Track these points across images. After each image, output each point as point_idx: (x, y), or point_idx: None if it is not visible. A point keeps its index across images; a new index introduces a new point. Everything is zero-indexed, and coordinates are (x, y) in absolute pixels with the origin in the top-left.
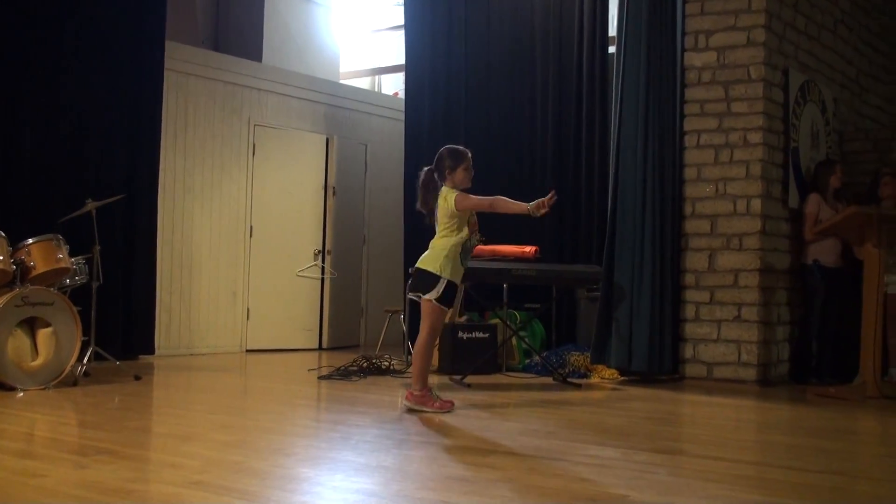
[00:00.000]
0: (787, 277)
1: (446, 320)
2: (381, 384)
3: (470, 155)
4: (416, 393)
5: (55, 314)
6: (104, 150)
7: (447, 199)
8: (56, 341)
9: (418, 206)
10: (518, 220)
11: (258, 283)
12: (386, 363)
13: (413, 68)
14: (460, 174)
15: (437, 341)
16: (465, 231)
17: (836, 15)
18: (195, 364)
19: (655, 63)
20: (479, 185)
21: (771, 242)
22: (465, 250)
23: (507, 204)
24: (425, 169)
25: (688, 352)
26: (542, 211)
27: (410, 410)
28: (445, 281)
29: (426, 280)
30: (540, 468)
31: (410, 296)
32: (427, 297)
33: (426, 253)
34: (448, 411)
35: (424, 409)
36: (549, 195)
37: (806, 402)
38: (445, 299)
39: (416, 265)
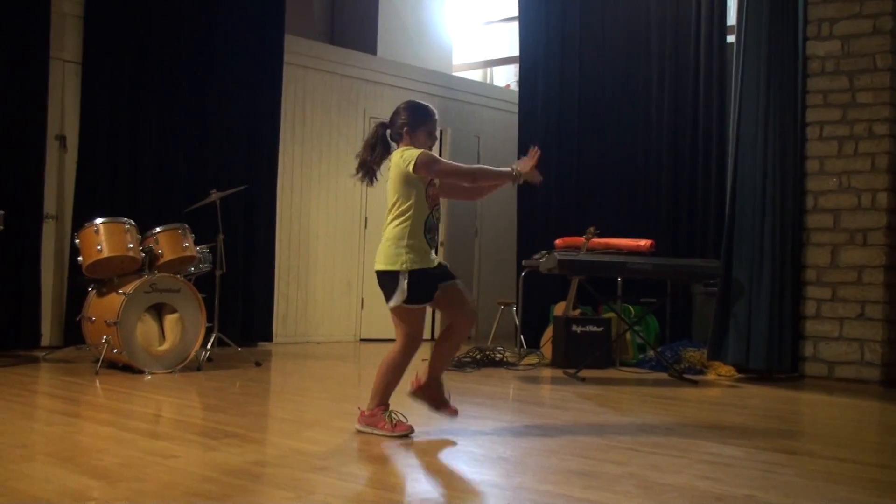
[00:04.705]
0: None
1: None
2: (494, 376)
3: (436, 118)
4: (367, 412)
5: (181, 301)
6: (226, 143)
7: (404, 157)
8: (182, 327)
9: (357, 164)
10: (634, 213)
11: (372, 273)
12: (499, 355)
13: (527, 59)
14: (421, 137)
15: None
16: (424, 208)
17: None
18: (311, 352)
19: (776, 52)
20: (594, 180)
21: None
22: (428, 229)
23: (488, 172)
24: (378, 124)
25: (808, 350)
26: (527, 171)
27: (359, 432)
28: (406, 274)
29: (386, 283)
30: (662, 465)
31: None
32: (391, 304)
33: (380, 246)
34: (404, 435)
35: (374, 430)
36: (533, 150)
37: None
38: (416, 295)
39: (375, 267)
